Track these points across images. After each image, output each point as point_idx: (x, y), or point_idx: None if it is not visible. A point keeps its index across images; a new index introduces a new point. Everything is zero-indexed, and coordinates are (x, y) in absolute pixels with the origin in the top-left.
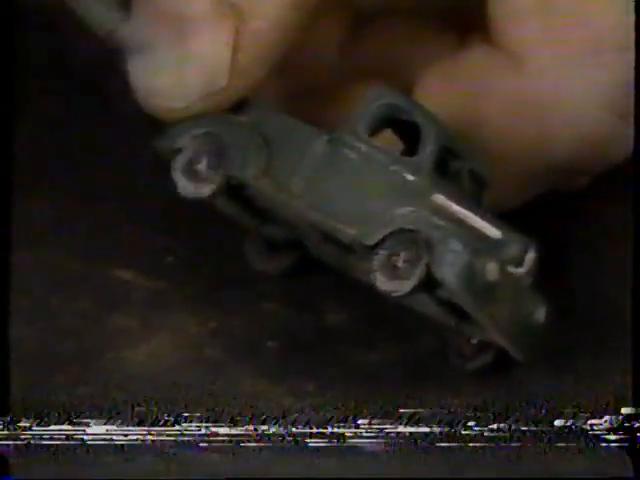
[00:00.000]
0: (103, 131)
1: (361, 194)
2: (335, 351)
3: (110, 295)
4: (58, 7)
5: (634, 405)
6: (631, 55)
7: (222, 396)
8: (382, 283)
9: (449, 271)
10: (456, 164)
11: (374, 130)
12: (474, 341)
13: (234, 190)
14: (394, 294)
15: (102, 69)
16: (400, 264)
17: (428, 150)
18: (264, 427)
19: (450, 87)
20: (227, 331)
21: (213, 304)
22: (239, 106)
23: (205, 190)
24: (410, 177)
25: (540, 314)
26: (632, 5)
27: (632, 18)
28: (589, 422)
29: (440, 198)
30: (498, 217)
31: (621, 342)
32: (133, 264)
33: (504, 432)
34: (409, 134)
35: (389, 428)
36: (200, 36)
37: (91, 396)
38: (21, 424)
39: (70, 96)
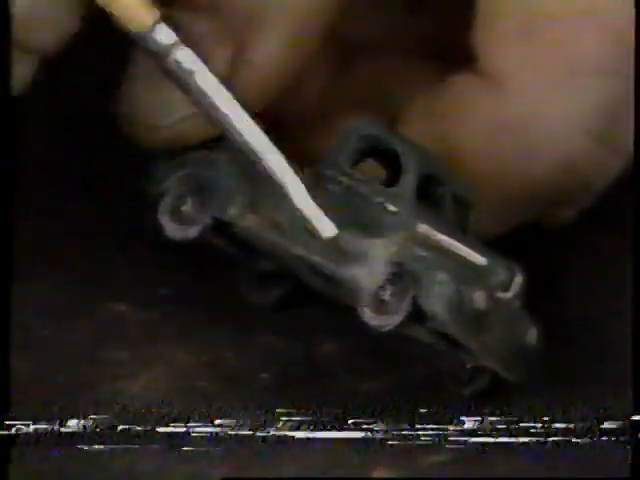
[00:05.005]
0: (99, 164)
1: (345, 227)
2: (328, 381)
3: (104, 327)
4: None
5: (634, 405)
6: (610, 80)
7: (216, 428)
8: (370, 318)
9: (437, 303)
10: (439, 190)
11: (356, 161)
12: (469, 366)
13: (221, 227)
14: (383, 328)
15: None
16: (387, 298)
17: (409, 180)
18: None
19: (432, 114)
20: (220, 363)
21: (206, 336)
22: (223, 141)
23: (191, 232)
24: (393, 208)
25: (532, 336)
26: (610, 31)
27: (609, 44)
28: (589, 422)
29: (424, 228)
30: (486, 244)
31: (621, 345)
32: (127, 296)
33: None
34: (391, 162)
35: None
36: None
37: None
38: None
39: (67, 131)
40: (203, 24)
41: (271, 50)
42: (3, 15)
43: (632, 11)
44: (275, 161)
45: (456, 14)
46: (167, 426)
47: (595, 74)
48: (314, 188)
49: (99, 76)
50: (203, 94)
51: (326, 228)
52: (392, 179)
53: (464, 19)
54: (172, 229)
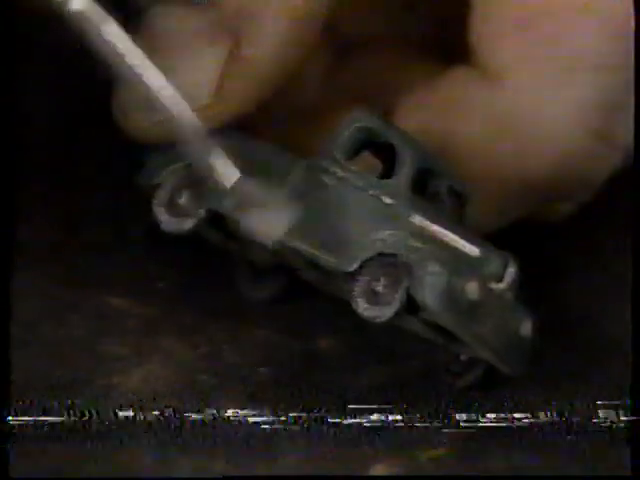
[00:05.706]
0: (98, 159)
1: (340, 220)
2: (326, 376)
3: (102, 322)
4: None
5: (634, 404)
6: (608, 75)
7: (212, 421)
8: (364, 309)
9: (429, 294)
10: (434, 183)
11: (352, 154)
12: (463, 358)
13: (217, 220)
14: (377, 320)
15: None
16: (380, 289)
17: (404, 173)
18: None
19: (429, 107)
20: (218, 357)
21: (204, 330)
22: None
23: (187, 224)
24: (388, 200)
25: (526, 328)
26: (608, 25)
27: (607, 38)
28: (588, 419)
29: (418, 219)
30: (484, 239)
31: (621, 344)
32: (125, 291)
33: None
34: (388, 155)
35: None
36: (190, 51)
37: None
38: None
39: (66, 127)
40: (200, 19)
41: (269, 45)
42: (6, 15)
43: (630, 6)
44: (160, 85)
45: (454, 8)
46: (165, 419)
47: (593, 68)
48: (310, 181)
49: (97, 71)
50: None
51: (229, 175)
52: (389, 172)
53: (462, 13)
54: (168, 222)
